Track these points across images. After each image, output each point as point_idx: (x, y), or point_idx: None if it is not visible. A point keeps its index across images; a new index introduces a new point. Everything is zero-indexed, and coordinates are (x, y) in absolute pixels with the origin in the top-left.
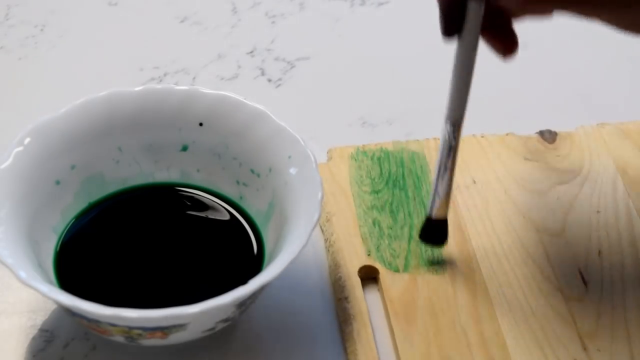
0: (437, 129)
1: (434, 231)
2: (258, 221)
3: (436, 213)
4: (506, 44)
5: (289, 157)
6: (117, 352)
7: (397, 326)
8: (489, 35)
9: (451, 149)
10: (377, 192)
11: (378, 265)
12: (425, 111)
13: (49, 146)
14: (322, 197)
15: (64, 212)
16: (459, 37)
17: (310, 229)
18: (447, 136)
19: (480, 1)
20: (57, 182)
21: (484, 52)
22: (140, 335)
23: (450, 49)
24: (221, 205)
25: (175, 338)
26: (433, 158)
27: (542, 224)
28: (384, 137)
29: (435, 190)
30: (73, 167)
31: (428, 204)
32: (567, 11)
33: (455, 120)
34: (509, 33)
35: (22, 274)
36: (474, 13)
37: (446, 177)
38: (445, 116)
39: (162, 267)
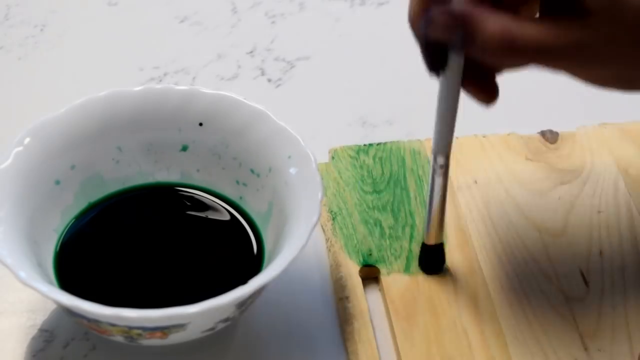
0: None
1: (432, 257)
2: (258, 221)
3: (432, 240)
4: (488, 94)
5: (289, 157)
6: (117, 352)
7: (398, 326)
8: (470, 85)
9: (440, 179)
10: (378, 192)
11: (379, 265)
12: (425, 111)
13: (49, 146)
14: (322, 197)
15: (63, 212)
16: (443, 76)
17: (310, 229)
18: (436, 168)
19: (459, 51)
20: (57, 182)
21: None
22: (140, 335)
23: None
24: (221, 206)
25: (175, 338)
26: None
27: (544, 224)
28: (384, 137)
29: (429, 218)
30: (73, 167)
31: (424, 231)
32: (542, 66)
33: (444, 153)
34: (491, 83)
35: (22, 274)
36: (455, 60)
37: (436, 207)
38: (432, 149)
39: (162, 267)
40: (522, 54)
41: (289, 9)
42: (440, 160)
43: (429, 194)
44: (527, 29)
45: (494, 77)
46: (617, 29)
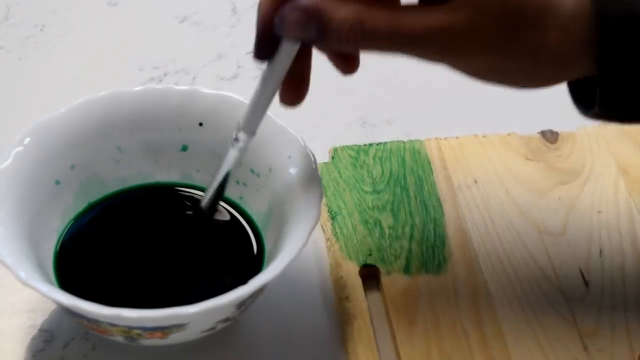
0: (437, 129)
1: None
2: (258, 221)
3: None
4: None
5: (289, 157)
6: (117, 352)
7: (397, 326)
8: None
9: (237, 154)
10: (378, 191)
11: (379, 265)
12: (425, 111)
13: (48, 146)
14: (322, 197)
15: (63, 212)
16: (269, 63)
17: (310, 229)
18: (234, 144)
19: (293, 44)
20: (57, 182)
21: None
22: (140, 335)
23: None
24: (221, 206)
25: (175, 338)
26: (435, 157)
27: (544, 224)
28: (384, 137)
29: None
30: (73, 167)
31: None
32: (407, 53)
33: (251, 131)
34: (303, 79)
35: (22, 274)
36: (287, 49)
37: (221, 180)
38: (240, 126)
39: (162, 267)
40: (374, 40)
41: None
42: (242, 137)
43: (224, 170)
44: (379, 15)
45: (307, 79)
46: (481, 16)
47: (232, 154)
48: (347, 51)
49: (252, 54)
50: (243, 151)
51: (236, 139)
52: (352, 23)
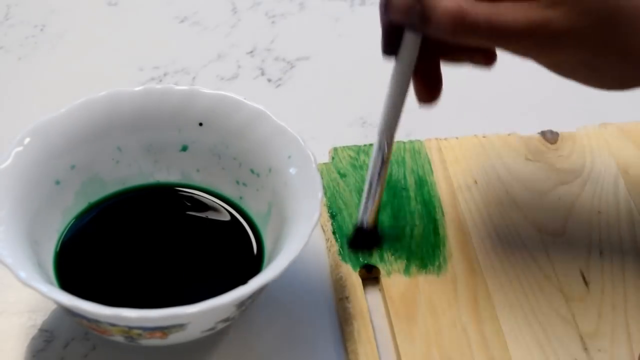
0: (437, 129)
1: (365, 239)
2: (258, 221)
3: (367, 222)
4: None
5: (289, 157)
6: (117, 352)
7: (398, 326)
8: (416, 81)
9: (384, 162)
10: None
11: (379, 266)
12: (425, 111)
13: (49, 146)
14: (322, 197)
15: (64, 212)
16: (396, 59)
17: (310, 229)
18: (381, 149)
19: (416, 32)
20: (57, 182)
21: None
22: (140, 335)
23: None
24: (221, 206)
25: (175, 338)
26: (435, 157)
27: (544, 224)
28: None
29: (367, 200)
30: (73, 167)
31: (359, 213)
32: (501, 47)
33: (390, 134)
34: (436, 81)
35: (22, 274)
36: (410, 41)
37: (379, 188)
38: (379, 130)
39: (162, 267)
40: (474, 32)
41: (289, 9)
42: (385, 141)
43: (370, 176)
44: (480, 8)
45: (439, 77)
46: (579, 13)
47: (378, 162)
48: (445, 40)
49: (381, 51)
50: (385, 156)
51: (383, 146)
52: (455, 14)
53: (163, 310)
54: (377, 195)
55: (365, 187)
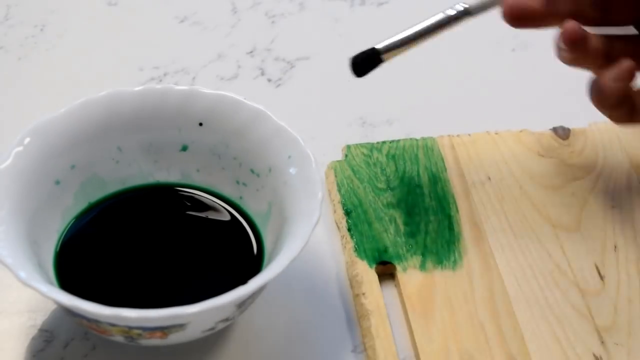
0: (436, 129)
1: (367, 61)
2: (258, 221)
3: (383, 49)
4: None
5: (289, 157)
6: (117, 352)
7: (415, 322)
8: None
9: (446, 25)
10: (392, 188)
11: (395, 262)
12: (425, 111)
13: (48, 146)
14: (322, 197)
15: (64, 212)
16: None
17: (310, 229)
18: (453, 13)
19: None
20: (57, 182)
21: (492, 51)
22: (140, 335)
23: (449, 48)
24: (221, 206)
25: (175, 338)
26: (447, 154)
27: (558, 220)
28: (384, 137)
29: (402, 38)
30: (73, 167)
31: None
32: None
33: (473, 10)
34: None
35: (22, 274)
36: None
37: (417, 41)
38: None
39: (162, 267)
40: None
41: (289, 9)
42: (460, 7)
43: (426, 24)
44: None
45: None
46: None
47: (437, 19)
48: None
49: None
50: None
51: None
52: None
53: (163, 310)
54: (409, 43)
55: (410, 30)
